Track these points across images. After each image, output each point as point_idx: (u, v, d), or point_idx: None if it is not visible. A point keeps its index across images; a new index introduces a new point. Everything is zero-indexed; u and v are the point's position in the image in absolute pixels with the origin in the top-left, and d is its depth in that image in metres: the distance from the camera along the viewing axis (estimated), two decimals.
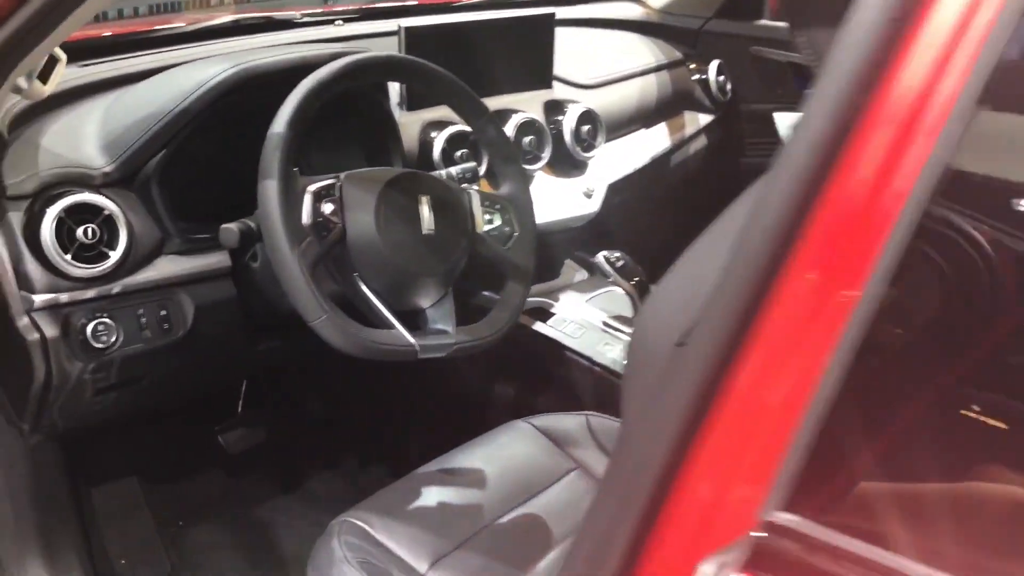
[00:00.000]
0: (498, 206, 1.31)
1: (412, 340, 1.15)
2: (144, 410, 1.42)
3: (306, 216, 1.11)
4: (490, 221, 1.30)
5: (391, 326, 1.15)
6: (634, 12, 2.25)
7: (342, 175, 1.17)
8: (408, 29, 1.56)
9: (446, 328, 1.23)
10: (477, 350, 1.24)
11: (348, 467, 1.90)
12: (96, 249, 1.18)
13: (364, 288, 1.17)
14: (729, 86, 2.19)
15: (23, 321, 1.16)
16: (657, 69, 2.06)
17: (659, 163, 1.99)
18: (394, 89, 1.56)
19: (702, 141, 2.16)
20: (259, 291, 1.32)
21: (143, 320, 1.24)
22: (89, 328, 1.19)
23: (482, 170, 1.55)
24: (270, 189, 1.07)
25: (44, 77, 1.11)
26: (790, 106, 2.17)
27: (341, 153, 1.46)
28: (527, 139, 1.65)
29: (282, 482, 1.84)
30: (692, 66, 2.16)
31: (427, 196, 1.21)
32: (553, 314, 1.56)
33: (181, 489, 1.77)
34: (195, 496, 1.78)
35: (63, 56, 1.12)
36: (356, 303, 1.17)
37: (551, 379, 1.56)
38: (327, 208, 1.13)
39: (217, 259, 1.30)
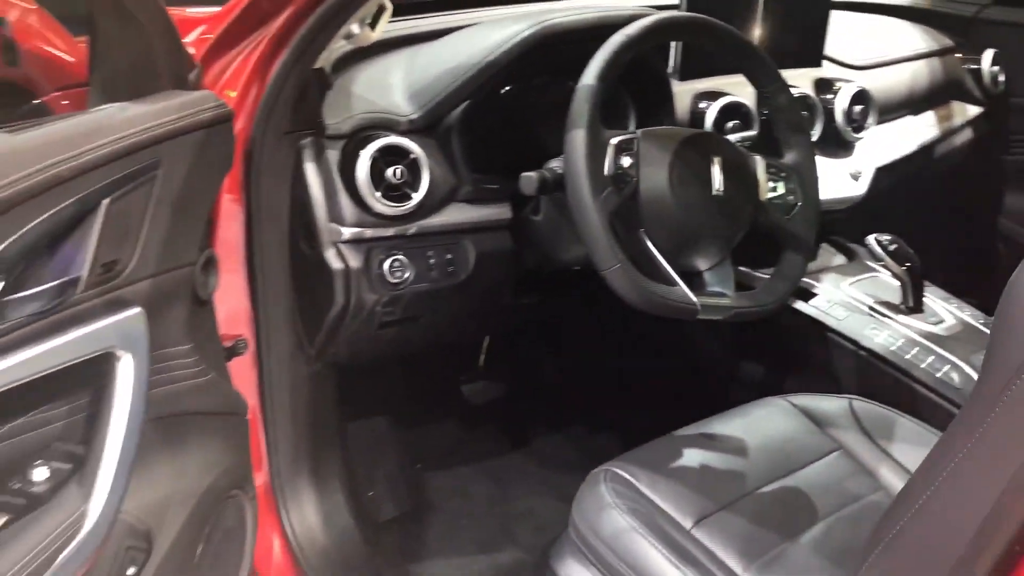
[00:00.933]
0: (783, 174, 1.29)
1: (694, 298, 1.16)
2: (414, 349, 1.50)
3: (608, 167, 1.14)
4: (774, 189, 1.28)
5: (673, 283, 1.16)
6: None
7: (639, 131, 1.19)
8: None
9: (724, 291, 1.23)
10: (755, 317, 1.23)
11: (579, 431, 1.94)
12: (400, 190, 1.26)
13: (649, 243, 1.18)
14: (1002, 78, 2.05)
15: (331, 251, 1.26)
16: (928, 55, 1.97)
17: (925, 152, 1.90)
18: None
19: (968, 134, 2.05)
20: (535, 244, 1.37)
21: (431, 261, 1.31)
22: (387, 264, 1.27)
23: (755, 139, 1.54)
24: (578, 138, 1.10)
25: (372, 25, 1.20)
26: None
27: (613, 117, 1.49)
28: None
29: (514, 437, 1.90)
30: (963, 55, 2.05)
31: (719, 157, 1.21)
32: (815, 294, 1.52)
33: (423, 433, 1.87)
34: (435, 441, 1.87)
35: (390, 6, 1.20)
36: (638, 258, 1.19)
37: (808, 359, 1.53)
38: (625, 161, 1.15)
39: (499, 210, 1.36)
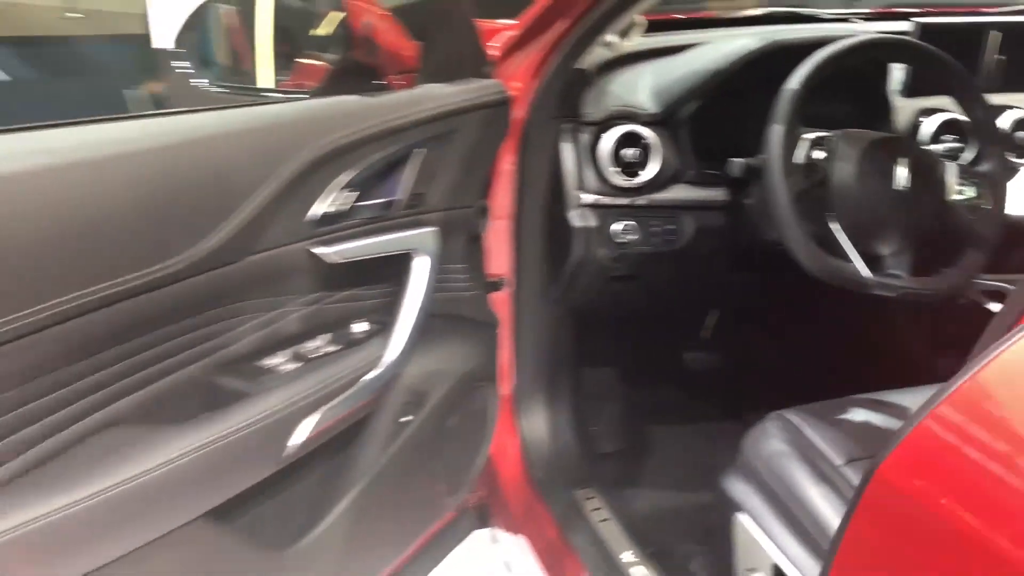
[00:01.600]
0: (974, 180, 1.46)
1: (868, 273, 1.37)
2: (639, 305, 1.82)
3: (800, 157, 1.39)
4: (961, 192, 1.45)
5: (854, 260, 1.38)
6: None
7: (838, 132, 1.42)
8: (923, 25, 1.74)
9: (899, 273, 1.42)
10: (925, 299, 1.41)
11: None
12: (635, 168, 1.58)
13: (836, 224, 1.41)
14: None
15: (575, 212, 1.61)
16: None
17: None
18: (896, 76, 1.75)
19: None
20: (746, 225, 1.63)
21: (654, 229, 1.62)
22: (618, 227, 1.60)
23: (968, 157, 1.69)
24: (776, 132, 1.37)
25: (626, 35, 1.53)
26: None
27: (824, 122, 1.71)
28: (1020, 133, 1.74)
29: (725, 404, 2.15)
30: None
31: (907, 158, 1.41)
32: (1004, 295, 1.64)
33: (645, 387, 2.18)
34: (654, 396, 2.17)
35: (643, 21, 1.53)
36: (824, 237, 1.42)
37: None
38: (818, 155, 1.39)
39: (717, 193, 1.64)
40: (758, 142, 1.45)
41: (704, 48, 1.68)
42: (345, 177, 1.18)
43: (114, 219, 0.94)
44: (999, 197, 1.46)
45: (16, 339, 0.86)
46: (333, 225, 1.19)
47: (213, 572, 1.13)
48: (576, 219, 1.60)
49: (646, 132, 1.58)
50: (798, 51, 1.53)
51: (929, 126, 1.72)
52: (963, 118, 1.71)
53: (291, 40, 1.99)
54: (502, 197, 1.59)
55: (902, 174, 1.40)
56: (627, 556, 1.61)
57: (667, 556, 1.64)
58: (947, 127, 1.72)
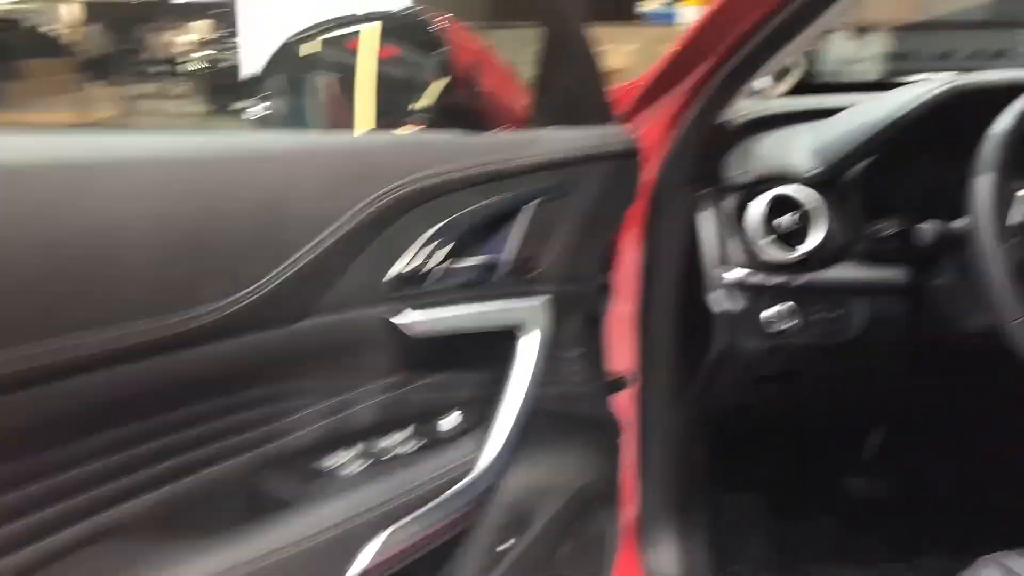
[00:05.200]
0: None
1: None
2: (797, 413, 1.48)
3: (1015, 217, 1.07)
4: None
5: None
6: None
7: None
8: None
9: None
10: None
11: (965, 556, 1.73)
12: (791, 240, 1.29)
13: None
14: None
15: (715, 294, 1.32)
16: None
17: None
18: None
19: None
20: (934, 311, 1.30)
21: (817, 316, 1.31)
22: (771, 311, 1.30)
23: None
24: (984, 183, 1.06)
25: (780, 81, 1.27)
26: None
27: None
28: None
29: (894, 546, 1.75)
30: None
31: None
32: None
33: (797, 520, 1.80)
34: (808, 532, 1.78)
35: (802, 63, 1.27)
36: None
37: None
38: None
39: (896, 273, 1.32)
40: (951, 206, 1.15)
41: (872, 102, 1.40)
42: (436, 227, 0.93)
43: (123, 238, 0.70)
44: None
45: None
46: (419, 287, 0.93)
47: None
48: (718, 302, 1.31)
49: (806, 195, 1.30)
50: (988, 96, 1.25)
51: None
52: None
53: (391, 113, 1.82)
54: (627, 273, 1.31)
55: None
56: None
57: None
58: None
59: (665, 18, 5.24)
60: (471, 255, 0.98)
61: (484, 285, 0.99)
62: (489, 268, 1.00)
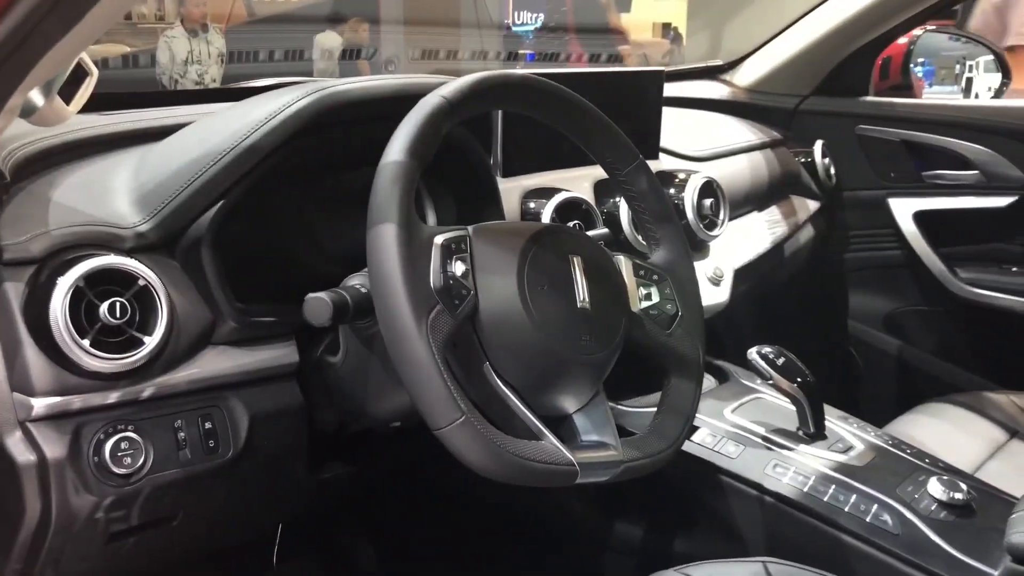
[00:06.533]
0: (655, 277, 1.00)
1: (569, 456, 0.81)
2: (171, 561, 1.05)
3: (435, 276, 0.79)
4: (647, 296, 0.98)
5: (539, 435, 0.82)
6: (720, 92, 2.00)
7: (469, 227, 0.86)
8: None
9: (605, 440, 0.89)
10: (648, 470, 0.90)
11: None
12: (124, 334, 0.85)
13: (499, 382, 0.84)
14: (833, 170, 1.92)
15: (14, 436, 0.82)
16: (761, 147, 1.81)
17: (776, 250, 1.70)
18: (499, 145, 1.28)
19: (809, 231, 1.88)
20: (335, 396, 0.99)
21: (181, 435, 0.90)
22: (108, 446, 0.85)
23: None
24: (387, 235, 0.75)
25: (68, 95, 0.81)
26: (908, 189, 1.90)
27: (428, 215, 1.17)
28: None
29: None
30: (794, 148, 1.91)
31: (579, 257, 0.89)
32: (695, 427, 1.22)
33: None
34: None
35: (95, 71, 0.82)
36: (483, 405, 0.83)
37: (702, 514, 1.20)
38: (458, 268, 0.81)
39: (280, 353, 0.98)
40: (337, 261, 0.84)
41: (219, 116, 1.02)
42: None
43: None
44: (690, 296, 1.02)
45: None
46: None
47: None
48: (19, 449, 0.82)
49: (137, 266, 0.86)
50: (366, 112, 0.98)
51: (548, 211, 1.24)
52: (583, 196, 1.29)
53: None
54: None
55: (581, 283, 0.88)
56: None
57: None
58: (566, 210, 1.26)
59: None
60: None
61: None
62: None
